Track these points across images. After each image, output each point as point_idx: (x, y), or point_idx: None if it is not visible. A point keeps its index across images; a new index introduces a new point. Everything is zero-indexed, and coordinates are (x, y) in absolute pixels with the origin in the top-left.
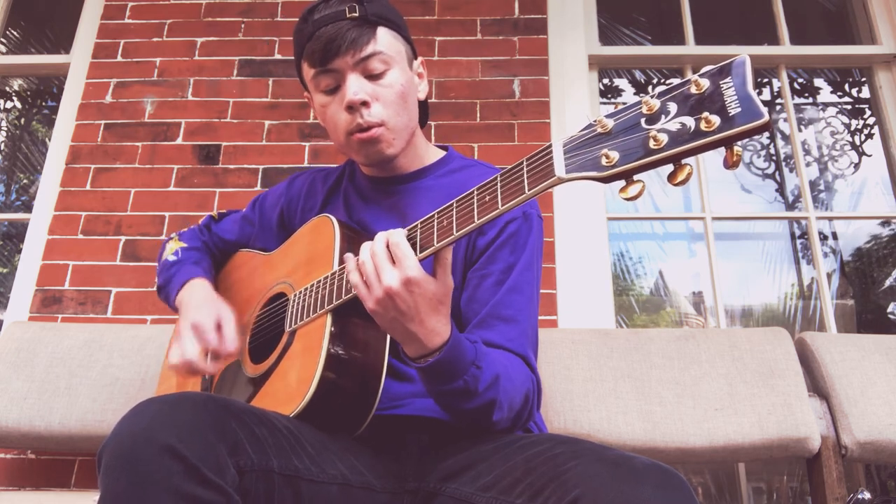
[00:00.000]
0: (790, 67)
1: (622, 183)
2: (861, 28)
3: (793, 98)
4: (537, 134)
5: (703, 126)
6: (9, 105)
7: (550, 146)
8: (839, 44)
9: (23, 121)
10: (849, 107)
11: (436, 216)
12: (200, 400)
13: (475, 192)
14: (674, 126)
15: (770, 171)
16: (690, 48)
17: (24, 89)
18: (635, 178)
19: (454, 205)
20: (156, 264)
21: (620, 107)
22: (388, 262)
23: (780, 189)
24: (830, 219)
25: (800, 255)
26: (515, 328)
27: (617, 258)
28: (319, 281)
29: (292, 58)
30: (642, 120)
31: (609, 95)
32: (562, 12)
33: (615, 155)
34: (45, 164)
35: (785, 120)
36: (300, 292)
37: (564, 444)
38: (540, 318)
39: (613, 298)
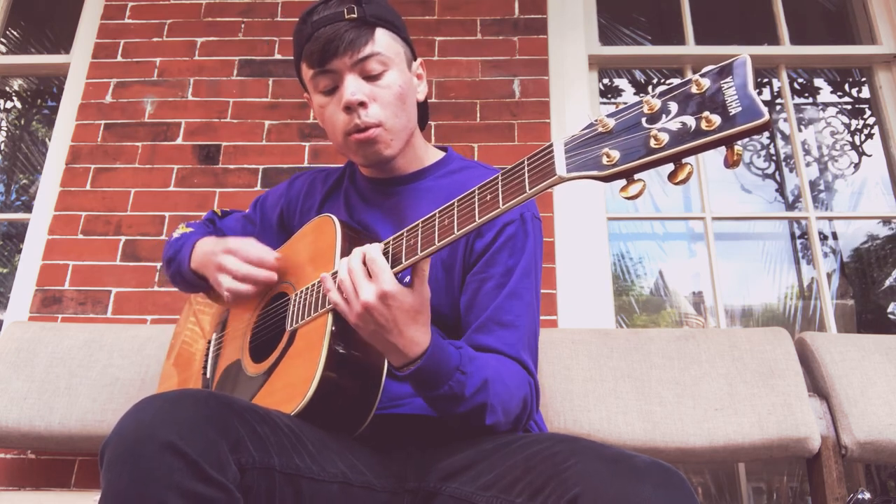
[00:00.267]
0: (790, 67)
1: (623, 182)
2: (861, 28)
3: (793, 98)
4: (537, 134)
5: (703, 125)
6: (9, 105)
7: (551, 145)
8: (839, 44)
9: (23, 121)
10: (849, 107)
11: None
12: (202, 397)
13: (476, 192)
14: (675, 125)
15: (770, 171)
16: (690, 48)
17: (24, 89)
18: (636, 177)
19: (455, 204)
20: (156, 264)
21: (621, 106)
22: (365, 278)
23: (780, 189)
24: (830, 219)
25: (800, 255)
26: (514, 333)
27: (617, 258)
28: (320, 280)
29: (292, 58)
30: (643, 119)
31: (609, 95)
32: (562, 12)
33: (616, 154)
34: (45, 164)
35: (785, 120)
36: (301, 292)
37: (564, 442)
38: (540, 318)
39: (613, 298)
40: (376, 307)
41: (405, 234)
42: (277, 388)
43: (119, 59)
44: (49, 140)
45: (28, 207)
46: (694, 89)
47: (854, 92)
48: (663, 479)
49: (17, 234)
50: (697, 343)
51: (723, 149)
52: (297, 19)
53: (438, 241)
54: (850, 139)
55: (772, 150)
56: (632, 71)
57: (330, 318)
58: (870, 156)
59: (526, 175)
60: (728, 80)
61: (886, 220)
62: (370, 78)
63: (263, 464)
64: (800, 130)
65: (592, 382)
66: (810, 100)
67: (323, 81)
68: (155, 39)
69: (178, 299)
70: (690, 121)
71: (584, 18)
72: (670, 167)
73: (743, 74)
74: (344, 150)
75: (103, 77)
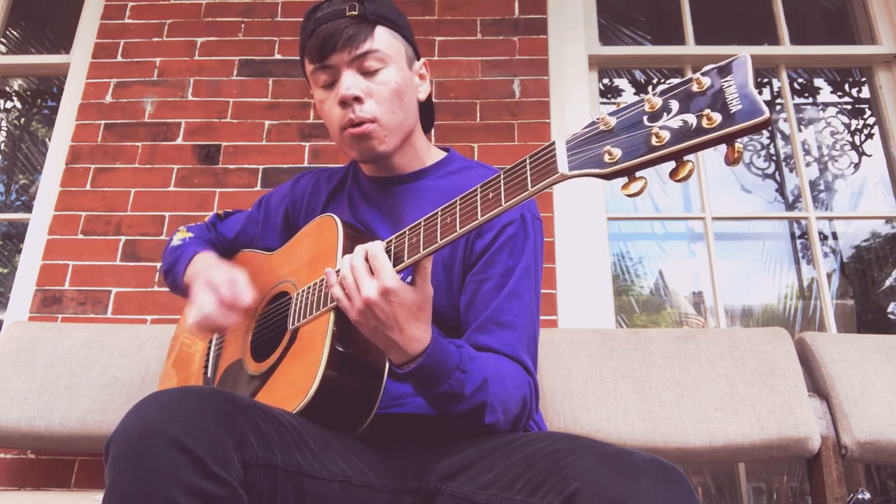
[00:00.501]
0: (790, 67)
1: (624, 180)
2: (861, 28)
3: (793, 98)
4: (537, 134)
5: (704, 123)
6: (9, 105)
7: (553, 144)
8: (839, 44)
9: (23, 121)
10: (849, 107)
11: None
12: (207, 393)
13: (478, 190)
14: (676, 123)
15: (770, 171)
16: (690, 48)
17: (24, 89)
18: (637, 174)
19: (457, 202)
20: (156, 264)
21: (623, 105)
22: (367, 274)
23: (780, 189)
24: (830, 219)
25: (800, 255)
26: (513, 333)
27: (617, 258)
28: (322, 280)
29: (292, 58)
30: (644, 117)
31: (609, 95)
32: (562, 12)
33: (618, 152)
34: (45, 164)
35: (785, 120)
36: (303, 291)
37: (563, 440)
38: (540, 318)
39: (613, 298)
40: (378, 303)
41: (407, 233)
42: (279, 387)
43: (119, 59)
44: (49, 140)
45: (28, 207)
46: (695, 88)
47: (854, 92)
48: (662, 474)
49: (17, 234)
50: (697, 343)
51: (723, 147)
52: (297, 19)
53: (441, 240)
54: (850, 139)
55: (772, 150)
56: (632, 71)
57: (331, 316)
58: (870, 156)
59: (528, 173)
60: (728, 78)
61: (887, 220)
62: (367, 74)
63: (267, 461)
64: (800, 130)
65: (592, 382)
66: (810, 100)
67: (322, 76)
68: (155, 39)
69: (177, 299)
70: (691, 119)
71: (584, 18)
72: (671, 165)
73: (743, 73)
74: (341, 145)
75: (103, 77)
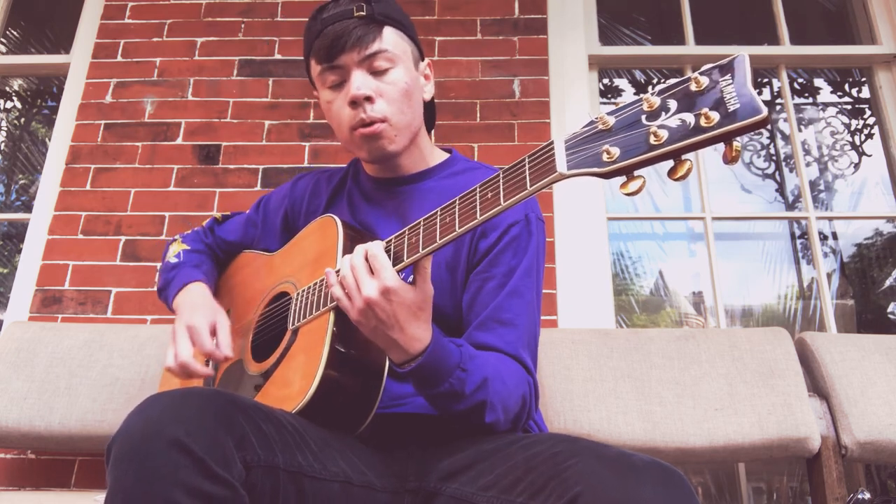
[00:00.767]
0: (790, 67)
1: (623, 179)
2: (861, 28)
3: (793, 98)
4: (537, 134)
5: (702, 122)
6: (9, 105)
7: (552, 143)
8: (839, 44)
9: (23, 121)
10: (849, 107)
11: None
12: (209, 394)
13: (477, 189)
14: (674, 122)
15: (770, 171)
16: (690, 48)
17: (24, 89)
18: (636, 173)
19: (457, 202)
20: (156, 264)
21: (622, 104)
22: (367, 274)
23: (780, 189)
24: (830, 219)
25: (800, 255)
26: (513, 332)
27: (617, 258)
28: (322, 280)
29: (292, 58)
30: (643, 117)
31: (609, 95)
32: (562, 12)
33: (616, 151)
34: (45, 164)
35: (785, 120)
36: (302, 291)
37: (564, 442)
38: (541, 318)
39: (613, 298)
40: (378, 302)
41: (407, 233)
42: (279, 387)
43: (119, 59)
44: (49, 140)
45: (28, 207)
46: (693, 87)
47: (854, 92)
48: (663, 478)
49: (17, 234)
50: (697, 343)
51: (721, 145)
52: (297, 19)
53: (440, 239)
54: (850, 139)
55: (772, 150)
56: (632, 71)
57: (331, 316)
58: (870, 156)
59: (527, 172)
60: (727, 77)
61: (887, 220)
62: (377, 74)
63: (268, 462)
64: (800, 130)
65: (592, 382)
66: (810, 100)
67: (331, 77)
68: (155, 39)
69: None
70: (689, 117)
71: (584, 18)
72: (670, 164)
73: (742, 72)
74: (349, 146)
75: (103, 77)
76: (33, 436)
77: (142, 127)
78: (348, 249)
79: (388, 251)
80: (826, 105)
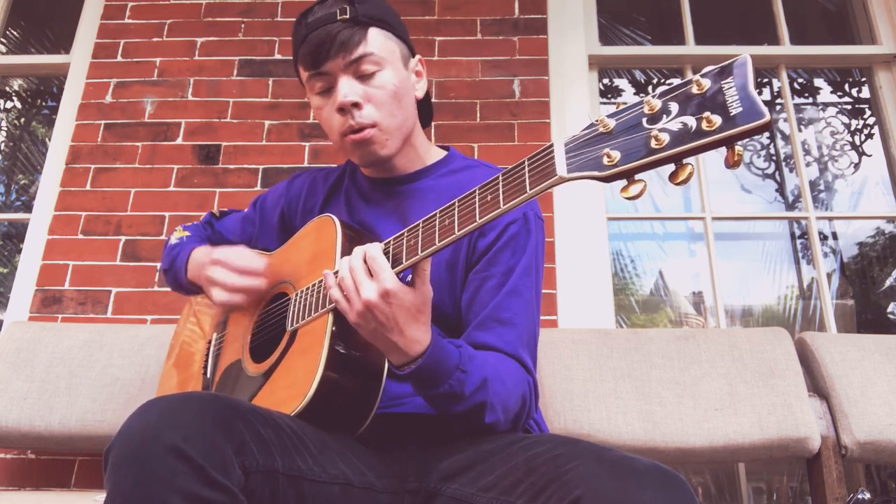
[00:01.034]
0: (790, 67)
1: (623, 182)
2: (861, 28)
3: (793, 98)
4: (537, 134)
5: (704, 126)
6: (9, 105)
7: (552, 146)
8: (839, 44)
9: (23, 121)
10: (849, 107)
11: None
12: (207, 400)
13: (477, 192)
14: (675, 126)
15: (770, 171)
16: (690, 48)
17: (24, 89)
18: (636, 177)
19: (456, 204)
20: (156, 264)
21: (622, 106)
22: (366, 276)
23: (780, 189)
24: (830, 219)
25: (800, 255)
26: (512, 331)
27: (617, 258)
28: (321, 280)
29: (292, 58)
30: (644, 120)
31: (609, 95)
32: (562, 12)
33: (617, 154)
34: (45, 164)
35: (785, 120)
36: (301, 292)
37: (565, 444)
38: (540, 318)
39: (613, 298)
40: (377, 305)
41: (405, 235)
42: (278, 388)
43: (119, 59)
44: (49, 140)
45: (28, 207)
46: (694, 90)
47: (854, 92)
48: (664, 481)
49: (17, 234)
50: (697, 343)
51: (723, 149)
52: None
53: (439, 242)
54: (850, 139)
55: (772, 150)
56: (632, 71)
57: (330, 317)
58: (870, 156)
59: (526, 175)
60: (729, 80)
61: (887, 220)
62: (363, 78)
63: (267, 467)
64: (800, 130)
65: (592, 382)
66: (810, 100)
67: (318, 83)
68: (155, 39)
69: (178, 299)
70: (691, 121)
71: (584, 18)
72: (671, 167)
73: (743, 74)
74: (342, 151)
75: (103, 77)
76: (33, 436)
77: (142, 127)
78: (346, 250)
79: (386, 253)
80: (826, 105)
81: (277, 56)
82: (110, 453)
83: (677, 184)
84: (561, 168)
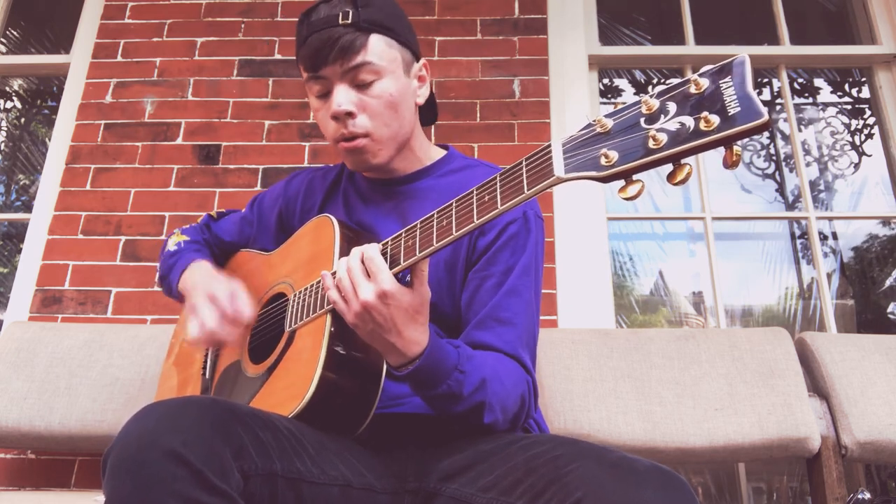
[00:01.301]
0: (790, 67)
1: (621, 183)
2: (861, 28)
3: (793, 98)
4: (537, 134)
5: (702, 126)
6: (9, 105)
7: (550, 146)
8: (839, 44)
9: (23, 121)
10: (849, 107)
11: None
12: (206, 404)
13: (474, 192)
14: (673, 126)
15: (770, 171)
16: (690, 48)
17: (24, 89)
18: (634, 177)
19: (453, 205)
20: (156, 264)
21: (620, 106)
22: (364, 277)
23: (780, 189)
24: (830, 219)
25: (800, 255)
26: (512, 331)
27: (617, 258)
28: (319, 281)
29: (292, 58)
30: (642, 119)
31: (609, 95)
32: (562, 12)
33: (614, 155)
34: (45, 164)
35: (785, 120)
36: (300, 292)
37: (565, 445)
38: (540, 318)
39: (613, 298)
40: (375, 306)
41: (403, 235)
42: (277, 389)
43: (119, 59)
44: (49, 140)
45: (28, 207)
46: (693, 89)
47: (854, 92)
48: (664, 482)
49: (17, 234)
50: (697, 343)
51: (722, 149)
52: (297, 19)
53: (437, 242)
54: (850, 139)
55: (772, 150)
56: (632, 71)
57: (329, 318)
58: (870, 156)
59: (524, 175)
60: (727, 79)
61: (886, 220)
62: (361, 87)
63: (266, 470)
64: (800, 130)
65: (592, 382)
66: (810, 100)
67: (315, 86)
68: (155, 39)
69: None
70: (689, 121)
71: (584, 18)
72: (669, 167)
73: (742, 74)
74: (337, 154)
75: (103, 77)
76: (33, 436)
77: (142, 127)
78: (345, 250)
79: (384, 254)
80: (826, 105)
81: (277, 56)
82: (108, 458)
83: (675, 184)
84: (559, 168)
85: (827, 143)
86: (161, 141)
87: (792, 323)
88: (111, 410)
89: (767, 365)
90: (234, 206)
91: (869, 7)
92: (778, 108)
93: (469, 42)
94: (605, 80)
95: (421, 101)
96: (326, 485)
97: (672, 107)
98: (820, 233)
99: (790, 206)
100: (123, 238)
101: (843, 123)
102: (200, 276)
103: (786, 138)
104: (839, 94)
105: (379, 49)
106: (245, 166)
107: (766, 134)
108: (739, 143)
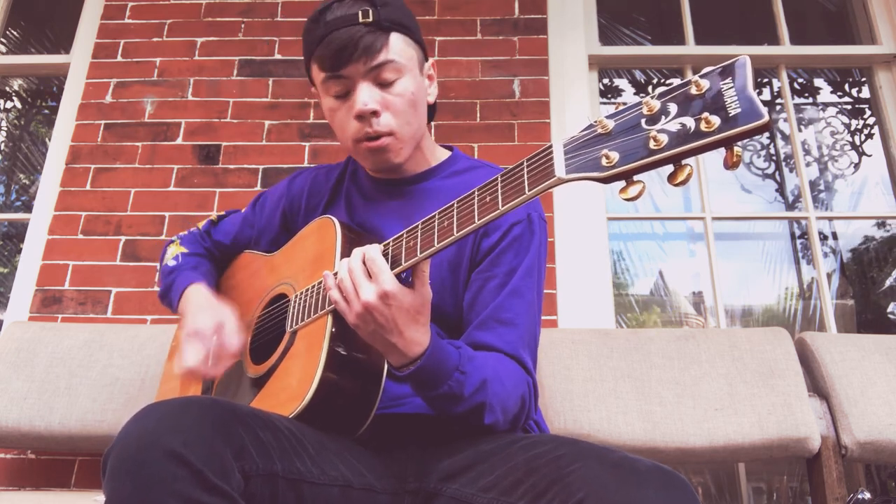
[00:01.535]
0: (790, 67)
1: (622, 183)
2: (861, 28)
3: (793, 98)
4: (537, 134)
5: (703, 126)
6: (9, 105)
7: (551, 146)
8: (839, 44)
9: (23, 121)
10: (849, 107)
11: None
12: (206, 404)
13: (476, 193)
14: (674, 126)
15: (770, 171)
16: (690, 48)
17: (24, 89)
18: (635, 178)
19: (455, 205)
20: (155, 264)
21: (621, 107)
22: (365, 278)
23: (780, 189)
24: (830, 219)
25: (800, 255)
26: (513, 332)
27: (617, 258)
28: (320, 282)
29: (292, 58)
30: (643, 120)
31: (609, 95)
32: (562, 12)
33: (615, 155)
34: (45, 164)
35: (785, 120)
36: (301, 293)
37: (566, 445)
38: (541, 318)
39: (613, 298)
40: (377, 307)
41: (404, 236)
42: (278, 390)
43: (119, 59)
44: (49, 140)
45: (28, 207)
46: (694, 90)
47: (854, 92)
48: (666, 482)
49: (17, 234)
50: (697, 343)
51: (723, 150)
52: (297, 19)
53: (438, 243)
54: (850, 139)
55: (772, 150)
56: (632, 71)
57: (330, 319)
58: (870, 156)
59: (525, 176)
60: (728, 81)
61: (886, 220)
62: (383, 85)
63: (267, 470)
64: (800, 130)
65: (592, 382)
66: (810, 100)
67: (335, 87)
68: (155, 39)
69: None
70: (690, 122)
71: (584, 18)
72: (670, 168)
73: (743, 75)
74: (354, 155)
75: (103, 77)
76: (33, 436)
77: (142, 127)
78: (346, 251)
79: (385, 255)
80: (826, 105)
81: (277, 56)
82: (108, 458)
83: (676, 185)
84: (560, 169)
85: (827, 143)
86: (161, 141)
87: (792, 323)
88: (111, 410)
89: (767, 365)
90: (234, 206)
91: (869, 7)
92: (778, 108)
93: (469, 42)
94: (605, 80)
95: (431, 99)
96: (327, 485)
97: (673, 108)
98: (820, 233)
99: (790, 206)
100: (123, 238)
101: (843, 123)
102: (191, 307)
103: (786, 138)
104: (839, 94)
105: (399, 47)
106: (245, 166)
107: (767, 134)
108: (740, 143)
